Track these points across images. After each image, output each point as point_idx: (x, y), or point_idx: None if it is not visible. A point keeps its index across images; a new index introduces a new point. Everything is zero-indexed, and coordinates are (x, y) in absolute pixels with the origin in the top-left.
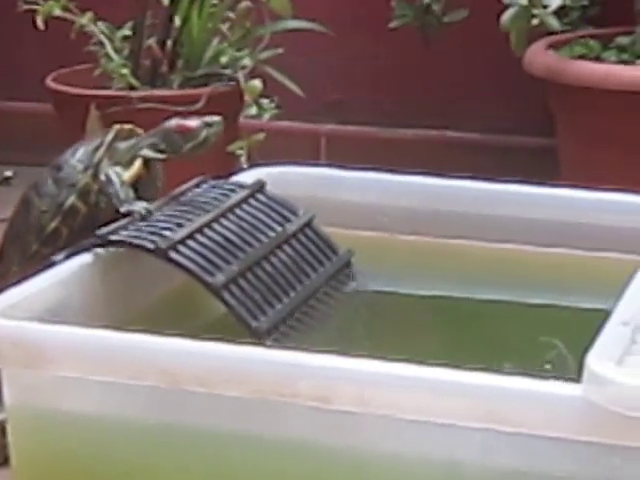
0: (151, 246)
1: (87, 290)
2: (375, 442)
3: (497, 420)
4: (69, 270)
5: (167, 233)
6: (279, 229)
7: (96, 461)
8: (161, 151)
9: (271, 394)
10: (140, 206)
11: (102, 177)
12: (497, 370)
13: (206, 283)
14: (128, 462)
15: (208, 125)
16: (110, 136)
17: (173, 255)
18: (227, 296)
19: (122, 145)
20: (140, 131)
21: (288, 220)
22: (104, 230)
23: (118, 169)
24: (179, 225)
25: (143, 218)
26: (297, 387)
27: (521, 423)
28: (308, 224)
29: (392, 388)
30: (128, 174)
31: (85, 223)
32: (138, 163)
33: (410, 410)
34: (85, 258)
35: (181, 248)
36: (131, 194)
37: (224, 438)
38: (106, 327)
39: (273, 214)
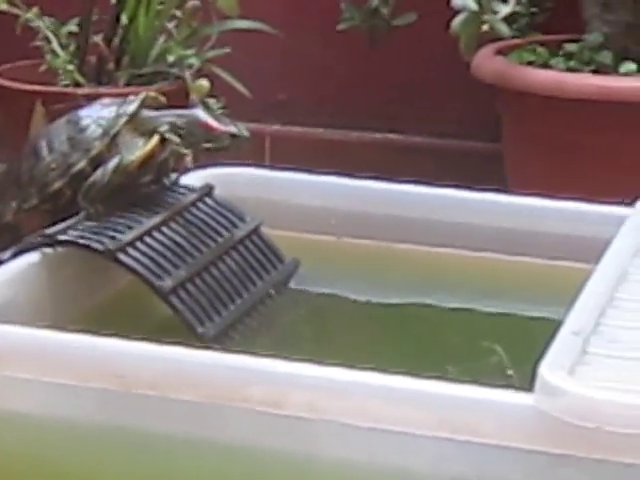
0: (100, 247)
1: (34, 290)
2: (326, 448)
3: (449, 428)
4: (16, 269)
5: (116, 234)
6: (226, 234)
7: (41, 462)
8: (179, 135)
9: (222, 398)
10: (94, 209)
11: (109, 161)
12: (448, 378)
13: (154, 287)
14: (75, 464)
15: (234, 136)
16: (134, 105)
17: (122, 257)
18: (175, 300)
19: (144, 114)
20: (163, 99)
21: (235, 226)
22: (52, 229)
23: (128, 149)
24: (128, 227)
25: (89, 218)
26: (248, 392)
27: (473, 432)
28: (255, 230)
29: (343, 394)
30: (144, 148)
31: None
32: (156, 138)
33: (361, 417)
34: (32, 257)
35: (130, 250)
36: (102, 194)
37: (173, 442)
38: (54, 327)
39: (221, 219)
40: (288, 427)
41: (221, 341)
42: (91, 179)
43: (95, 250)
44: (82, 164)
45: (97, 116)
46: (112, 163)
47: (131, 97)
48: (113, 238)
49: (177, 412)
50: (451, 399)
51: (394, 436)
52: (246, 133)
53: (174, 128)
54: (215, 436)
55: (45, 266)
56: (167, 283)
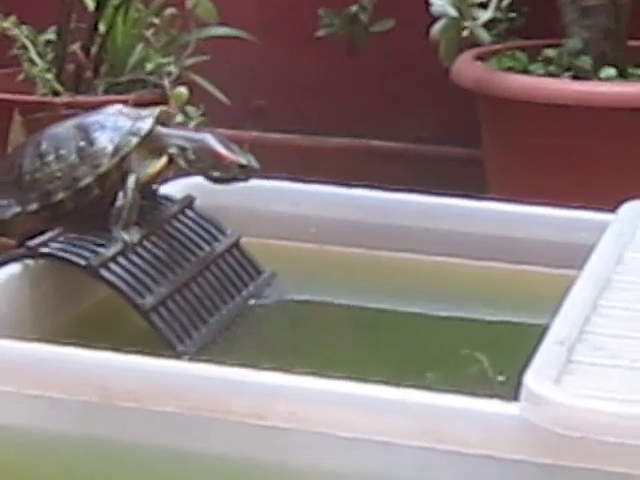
0: (82, 262)
1: (14, 301)
2: (310, 459)
3: (433, 438)
4: None
5: (98, 249)
6: (207, 248)
7: (23, 474)
8: (186, 159)
9: (204, 410)
10: (130, 237)
11: (126, 180)
12: (433, 387)
13: (135, 305)
14: (57, 476)
15: (243, 167)
16: (148, 125)
17: (104, 273)
18: (155, 319)
19: (155, 132)
20: (173, 110)
21: (216, 239)
22: (34, 241)
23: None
24: (109, 240)
25: (127, 248)
26: (230, 403)
27: (458, 441)
28: (235, 244)
29: (327, 405)
30: (153, 168)
31: (95, 202)
32: (164, 160)
33: (345, 427)
34: (13, 268)
35: (112, 266)
36: (133, 217)
37: (156, 453)
38: (35, 340)
39: (202, 232)
40: (270, 438)
41: (201, 356)
42: (117, 205)
43: (78, 265)
44: (88, 180)
45: (109, 127)
46: (131, 183)
47: (145, 112)
48: (96, 252)
49: (159, 424)
50: (435, 409)
51: (377, 446)
52: (255, 164)
53: (183, 151)
54: (198, 447)
55: (26, 277)
56: (148, 301)
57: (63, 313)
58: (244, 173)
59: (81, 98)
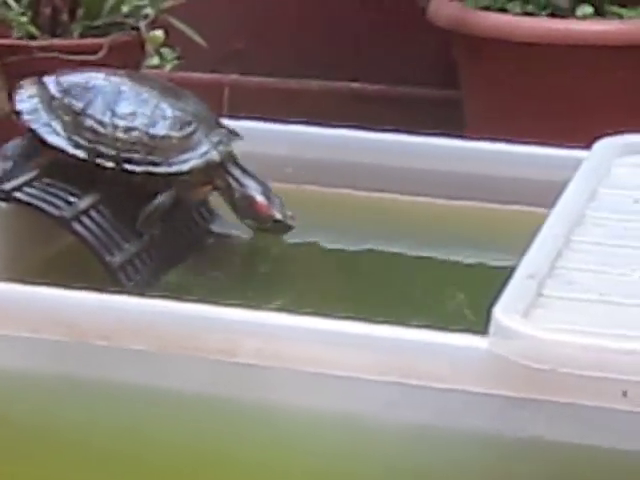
0: (55, 213)
1: None
2: (280, 395)
3: (402, 373)
4: None
5: (72, 199)
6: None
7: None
8: (231, 198)
9: (175, 347)
10: (150, 232)
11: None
12: (401, 322)
13: (104, 262)
14: (29, 416)
15: (277, 222)
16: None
17: (76, 227)
18: (122, 278)
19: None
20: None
21: None
22: (9, 185)
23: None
24: (86, 192)
25: (149, 244)
26: (201, 340)
27: (426, 376)
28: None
29: (296, 341)
30: (196, 194)
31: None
32: (208, 188)
33: (313, 363)
34: None
35: (84, 219)
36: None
37: (128, 391)
38: (5, 279)
39: None
40: (241, 375)
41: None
42: (153, 205)
43: (50, 215)
44: (162, 169)
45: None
46: (170, 196)
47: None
48: (69, 203)
49: (130, 362)
50: (404, 343)
51: (346, 382)
52: (290, 223)
53: (229, 190)
54: (169, 385)
55: None
56: (116, 259)
57: (34, 255)
58: (277, 229)
59: (57, 41)
